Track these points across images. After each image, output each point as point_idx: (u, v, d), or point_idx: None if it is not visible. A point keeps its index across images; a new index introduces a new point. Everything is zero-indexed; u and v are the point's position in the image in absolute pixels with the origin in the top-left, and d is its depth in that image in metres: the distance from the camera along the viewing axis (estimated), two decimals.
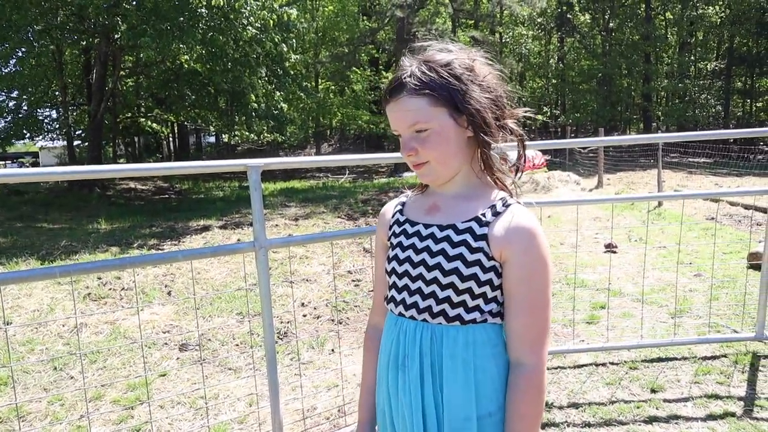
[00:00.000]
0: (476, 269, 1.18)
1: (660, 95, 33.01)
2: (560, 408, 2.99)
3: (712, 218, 8.50)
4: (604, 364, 3.50)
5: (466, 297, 1.19)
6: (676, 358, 3.53)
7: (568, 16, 32.47)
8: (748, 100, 31.93)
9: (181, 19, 12.28)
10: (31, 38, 15.50)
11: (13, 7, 13.10)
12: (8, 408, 3.24)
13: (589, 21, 33.28)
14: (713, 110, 30.47)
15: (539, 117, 37.35)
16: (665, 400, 3.01)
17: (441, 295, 1.20)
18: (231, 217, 11.45)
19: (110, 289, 5.60)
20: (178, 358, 3.96)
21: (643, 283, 4.66)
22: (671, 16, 31.16)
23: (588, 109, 32.32)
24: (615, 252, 6.52)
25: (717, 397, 3.02)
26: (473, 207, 1.23)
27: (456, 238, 1.20)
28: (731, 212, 9.01)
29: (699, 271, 5.54)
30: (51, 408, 3.25)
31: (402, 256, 1.27)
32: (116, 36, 14.64)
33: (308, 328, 4.52)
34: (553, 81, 35.24)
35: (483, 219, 1.20)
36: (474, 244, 1.18)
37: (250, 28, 13.53)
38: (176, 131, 32.24)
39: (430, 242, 1.23)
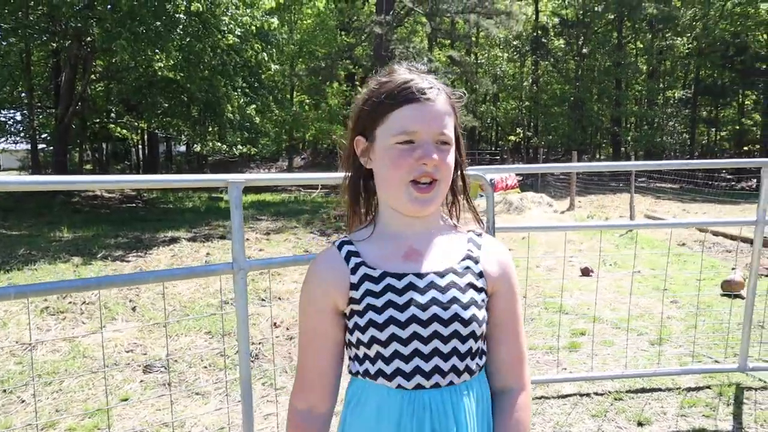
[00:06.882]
0: (483, 310, 1.10)
1: (629, 120, 33.87)
2: None
3: (683, 244, 8.62)
4: (588, 395, 3.41)
5: (480, 342, 1.10)
6: (660, 389, 3.46)
7: (543, 40, 33.15)
8: (713, 129, 32.98)
9: (158, 23, 12.00)
10: None
11: None
12: None
13: (563, 46, 34.02)
14: (680, 137, 31.37)
15: (511, 137, 37.95)
16: None
17: (463, 349, 1.06)
18: (200, 229, 11.13)
19: (70, 302, 5.29)
20: (141, 381, 3.72)
21: (628, 311, 4.62)
22: (641, 45, 32.09)
23: (559, 131, 32.90)
24: (591, 276, 6.50)
25: (704, 431, 2.95)
26: (452, 243, 1.14)
27: (461, 282, 1.08)
28: (700, 238, 9.15)
29: (675, 298, 5.54)
30: None
31: (403, 317, 1.04)
32: (89, 39, 14.25)
33: (281, 349, 4.33)
34: (527, 103, 35.81)
35: (473, 255, 1.13)
36: (479, 284, 1.10)
37: (230, 35, 13.33)
38: (146, 139, 31.55)
39: (434, 293, 1.06)
